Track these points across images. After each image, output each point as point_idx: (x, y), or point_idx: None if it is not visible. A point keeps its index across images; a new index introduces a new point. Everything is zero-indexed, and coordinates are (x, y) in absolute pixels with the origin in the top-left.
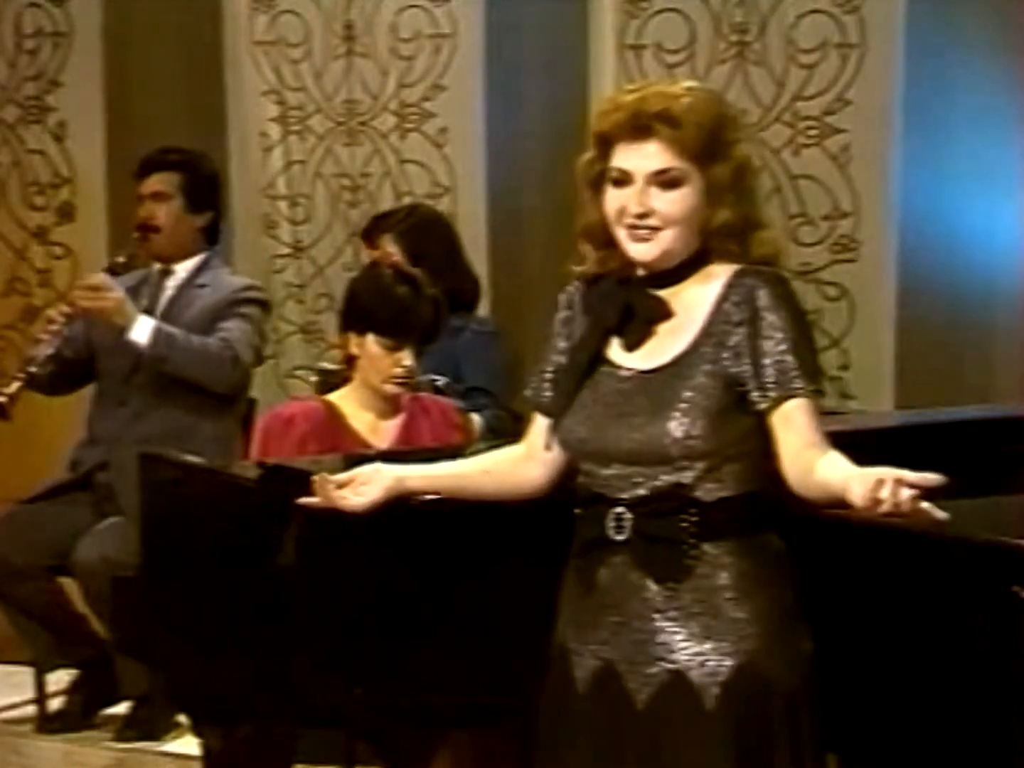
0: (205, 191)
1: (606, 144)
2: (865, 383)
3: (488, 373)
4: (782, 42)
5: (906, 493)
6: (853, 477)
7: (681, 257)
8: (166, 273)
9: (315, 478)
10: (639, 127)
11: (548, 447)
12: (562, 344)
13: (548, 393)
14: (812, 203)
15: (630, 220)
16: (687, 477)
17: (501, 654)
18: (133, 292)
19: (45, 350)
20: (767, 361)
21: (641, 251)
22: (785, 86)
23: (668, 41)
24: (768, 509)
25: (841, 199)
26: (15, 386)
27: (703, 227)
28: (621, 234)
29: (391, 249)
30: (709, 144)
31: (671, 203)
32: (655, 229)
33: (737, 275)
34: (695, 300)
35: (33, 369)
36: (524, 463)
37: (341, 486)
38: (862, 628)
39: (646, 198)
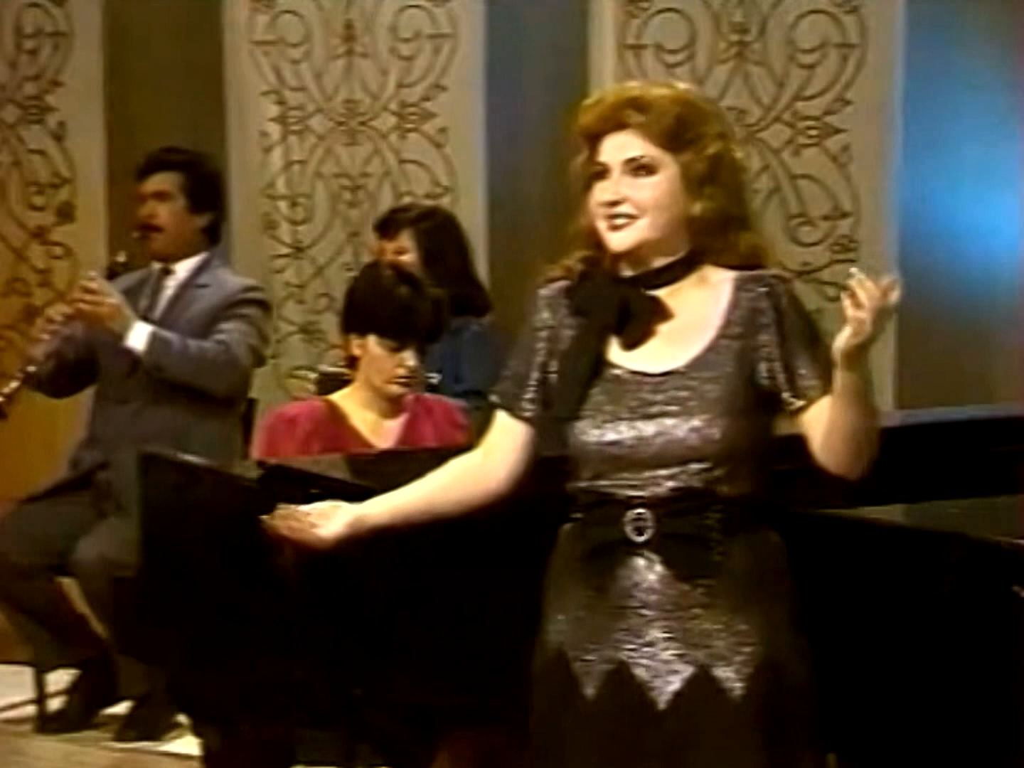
0: (207, 191)
1: (592, 140)
2: None
3: (484, 376)
4: (782, 42)
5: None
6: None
7: (666, 253)
8: (166, 273)
9: (275, 514)
10: (613, 118)
11: (518, 449)
12: (542, 348)
13: (530, 396)
14: (812, 203)
15: (605, 210)
16: (712, 475)
17: (500, 653)
18: (133, 292)
19: (44, 350)
20: (800, 362)
21: (617, 240)
22: (785, 86)
23: (668, 41)
24: (770, 505)
25: (841, 199)
26: (12, 385)
27: (684, 220)
28: (601, 227)
29: (407, 244)
30: (677, 130)
31: (643, 189)
32: (630, 218)
33: (750, 279)
34: (702, 302)
35: (31, 368)
36: (483, 471)
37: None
38: (863, 627)
39: (620, 186)
